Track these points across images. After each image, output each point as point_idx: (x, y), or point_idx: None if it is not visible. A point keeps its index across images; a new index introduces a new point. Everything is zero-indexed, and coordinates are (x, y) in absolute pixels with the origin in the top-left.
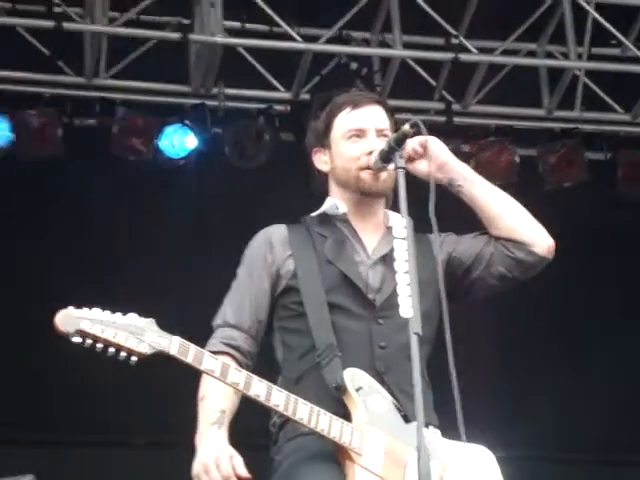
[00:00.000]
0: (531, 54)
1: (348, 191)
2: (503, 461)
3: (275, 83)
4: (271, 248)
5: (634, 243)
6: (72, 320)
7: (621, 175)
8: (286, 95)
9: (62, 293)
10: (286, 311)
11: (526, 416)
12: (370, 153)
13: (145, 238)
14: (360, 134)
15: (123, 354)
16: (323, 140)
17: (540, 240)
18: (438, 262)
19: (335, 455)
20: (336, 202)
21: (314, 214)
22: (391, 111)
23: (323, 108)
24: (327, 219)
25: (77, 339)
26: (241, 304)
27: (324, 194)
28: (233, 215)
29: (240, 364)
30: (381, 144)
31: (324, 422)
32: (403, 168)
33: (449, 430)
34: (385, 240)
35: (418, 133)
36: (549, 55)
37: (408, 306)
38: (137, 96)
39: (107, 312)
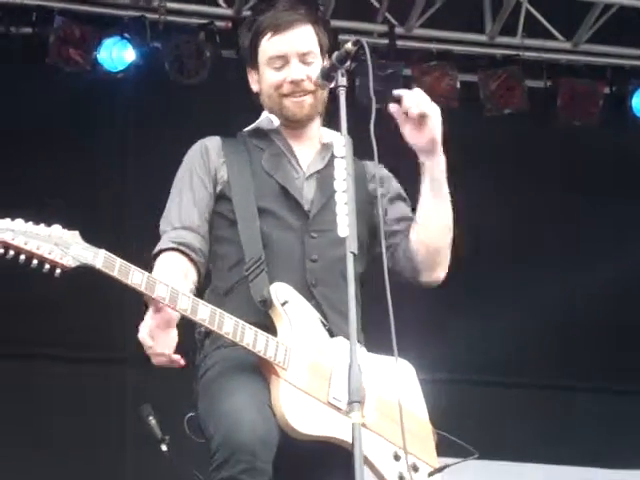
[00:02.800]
0: None
1: (276, 115)
2: (427, 384)
3: None
4: (207, 154)
5: (574, 172)
6: None
7: (561, 104)
8: (228, 12)
9: None
10: (218, 219)
11: (452, 339)
12: (292, 81)
13: (81, 150)
14: (282, 61)
15: (47, 266)
16: (252, 63)
17: (434, 272)
18: (377, 182)
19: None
20: (270, 116)
21: (249, 128)
22: (324, 26)
23: (250, 29)
24: (263, 133)
25: None
26: (186, 206)
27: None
28: (172, 130)
29: (192, 260)
30: (304, 69)
31: (249, 336)
32: (344, 86)
33: (373, 347)
34: (319, 156)
35: (361, 52)
36: None
37: (345, 225)
38: (76, 6)
39: (30, 223)
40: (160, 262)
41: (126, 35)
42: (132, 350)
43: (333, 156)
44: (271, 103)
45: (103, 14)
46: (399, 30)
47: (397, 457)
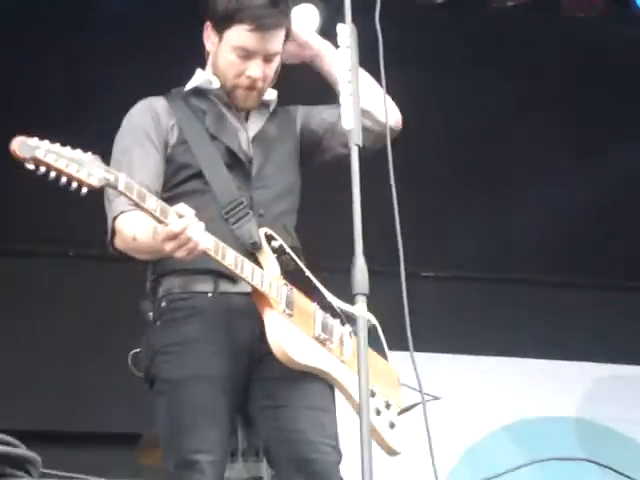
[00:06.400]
0: None
1: (223, 90)
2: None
3: None
4: (157, 115)
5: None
6: (28, 147)
7: None
8: None
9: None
10: (180, 173)
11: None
12: (249, 77)
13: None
14: (248, 53)
15: (74, 184)
16: (217, 27)
17: (388, 111)
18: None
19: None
20: (210, 77)
21: (188, 87)
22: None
23: None
24: (201, 93)
25: (31, 166)
26: (138, 166)
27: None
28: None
29: None
30: (264, 68)
31: (248, 270)
32: None
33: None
34: (258, 114)
35: None
36: None
37: (350, 117)
38: None
39: (57, 144)
40: (131, 218)
41: None
42: None
43: (272, 113)
44: (223, 80)
45: None
46: None
47: (373, 394)
